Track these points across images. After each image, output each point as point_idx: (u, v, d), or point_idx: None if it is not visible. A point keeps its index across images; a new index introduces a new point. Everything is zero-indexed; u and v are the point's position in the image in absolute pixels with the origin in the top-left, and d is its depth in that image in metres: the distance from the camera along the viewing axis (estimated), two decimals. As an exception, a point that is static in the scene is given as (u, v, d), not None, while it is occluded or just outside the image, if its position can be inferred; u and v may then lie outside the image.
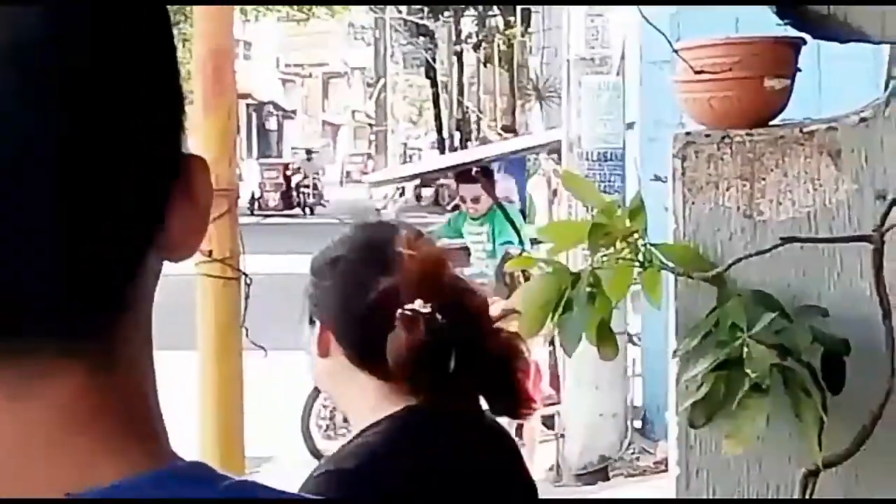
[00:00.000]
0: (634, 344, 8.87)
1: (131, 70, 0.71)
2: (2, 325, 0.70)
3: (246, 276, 3.53)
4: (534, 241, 10.46)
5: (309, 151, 38.65)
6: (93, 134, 0.69)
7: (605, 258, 2.60)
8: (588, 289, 2.54)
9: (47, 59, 0.67)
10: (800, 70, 2.79)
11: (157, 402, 0.78)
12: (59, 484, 0.71)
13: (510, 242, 9.99)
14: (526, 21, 27.99)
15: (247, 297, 3.55)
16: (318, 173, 37.20)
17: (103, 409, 0.73)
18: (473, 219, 10.36)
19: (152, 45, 0.73)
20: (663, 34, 2.74)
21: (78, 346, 0.72)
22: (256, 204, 33.77)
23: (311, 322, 2.10)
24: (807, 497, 2.50)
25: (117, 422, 0.74)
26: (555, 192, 12.76)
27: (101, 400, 0.73)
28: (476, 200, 10.29)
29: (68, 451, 0.72)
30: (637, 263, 2.57)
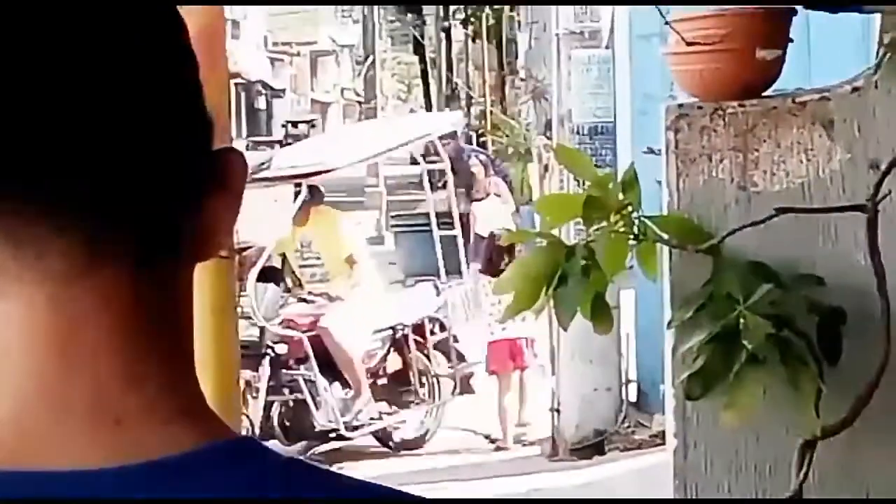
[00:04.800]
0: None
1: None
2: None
3: (240, 254, 3.53)
4: None
5: (294, 124, 38.49)
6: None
7: (598, 231, 2.59)
8: (583, 262, 2.54)
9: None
10: (791, 40, 2.78)
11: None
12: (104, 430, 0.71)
13: None
14: (514, -4, 27.89)
15: (240, 279, 3.54)
16: None
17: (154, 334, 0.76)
18: None
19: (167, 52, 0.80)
20: (656, 6, 2.74)
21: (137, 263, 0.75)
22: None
23: None
24: (804, 466, 2.50)
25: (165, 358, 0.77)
26: (546, 168, 12.72)
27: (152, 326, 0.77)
28: None
29: (117, 371, 0.73)
30: (631, 236, 2.57)
